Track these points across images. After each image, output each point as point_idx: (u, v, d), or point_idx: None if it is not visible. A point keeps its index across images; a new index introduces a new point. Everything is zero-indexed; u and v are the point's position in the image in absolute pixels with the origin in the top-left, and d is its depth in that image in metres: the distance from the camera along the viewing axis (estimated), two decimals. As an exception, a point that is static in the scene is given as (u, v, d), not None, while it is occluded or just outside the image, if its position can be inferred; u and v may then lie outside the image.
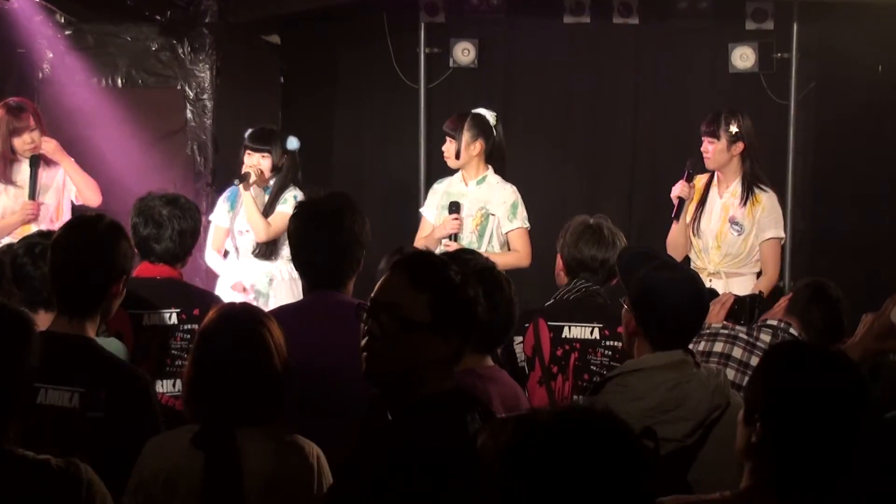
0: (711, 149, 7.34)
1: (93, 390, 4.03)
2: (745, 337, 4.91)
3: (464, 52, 9.53)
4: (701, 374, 3.98)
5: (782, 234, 7.48)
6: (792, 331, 4.96)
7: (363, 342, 3.27)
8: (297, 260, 4.89)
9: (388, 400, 3.27)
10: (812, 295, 5.11)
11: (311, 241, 4.69)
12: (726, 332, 4.95)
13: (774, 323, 5.00)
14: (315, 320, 4.55)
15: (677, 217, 7.44)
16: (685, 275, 4.17)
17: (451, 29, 9.56)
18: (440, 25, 9.54)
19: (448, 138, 7.49)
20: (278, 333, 3.83)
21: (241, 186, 7.41)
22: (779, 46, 9.16)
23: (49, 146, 7.54)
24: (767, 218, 7.38)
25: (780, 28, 9.12)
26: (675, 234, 7.48)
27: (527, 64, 9.66)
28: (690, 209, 7.46)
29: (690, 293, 4.05)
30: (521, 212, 7.45)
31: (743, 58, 9.19)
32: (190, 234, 5.43)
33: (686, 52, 9.49)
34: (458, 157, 7.45)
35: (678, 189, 7.44)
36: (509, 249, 7.44)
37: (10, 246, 5.09)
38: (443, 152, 7.56)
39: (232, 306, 4.13)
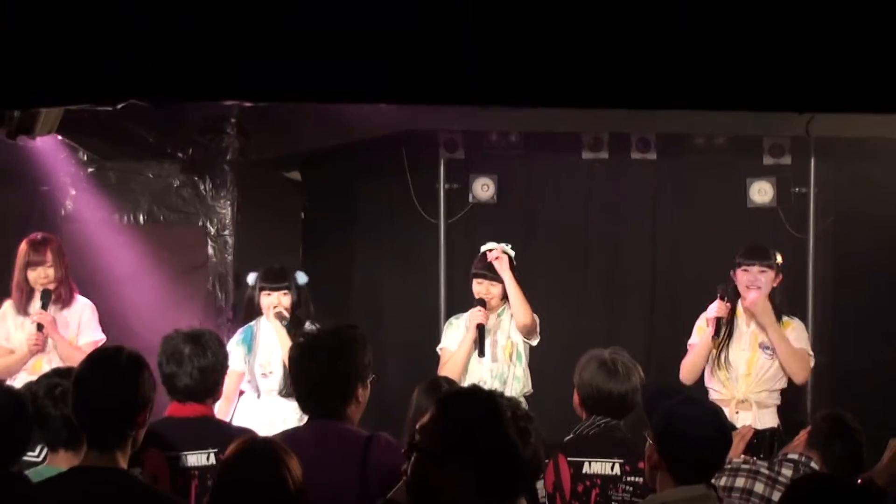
0: (764, 278, 7.28)
1: None
2: (766, 472, 4.88)
3: (483, 188, 9.59)
4: (724, 508, 3.96)
5: (811, 352, 7.35)
6: (813, 464, 4.93)
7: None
8: (295, 390, 4.88)
9: None
10: (831, 428, 5.09)
11: (307, 372, 4.70)
12: (748, 467, 4.92)
13: (795, 457, 4.97)
14: (310, 447, 4.53)
15: (717, 335, 7.28)
16: (709, 409, 4.18)
17: (470, 165, 9.64)
18: (459, 161, 9.63)
19: (488, 280, 7.51)
20: (296, 467, 3.83)
21: (282, 324, 7.42)
22: (797, 181, 9.20)
23: (45, 319, 7.55)
24: (797, 336, 7.30)
25: (798, 162, 9.18)
26: (699, 356, 7.36)
27: (546, 199, 9.71)
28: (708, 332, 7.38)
29: (714, 428, 4.05)
30: None
31: (761, 192, 9.22)
32: (212, 371, 5.39)
33: (704, 187, 9.52)
34: (503, 298, 7.50)
35: (717, 310, 7.32)
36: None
37: (30, 385, 5.09)
38: (473, 290, 7.55)
39: (252, 440, 4.13)
